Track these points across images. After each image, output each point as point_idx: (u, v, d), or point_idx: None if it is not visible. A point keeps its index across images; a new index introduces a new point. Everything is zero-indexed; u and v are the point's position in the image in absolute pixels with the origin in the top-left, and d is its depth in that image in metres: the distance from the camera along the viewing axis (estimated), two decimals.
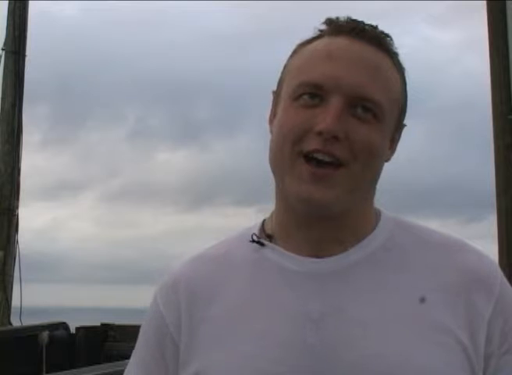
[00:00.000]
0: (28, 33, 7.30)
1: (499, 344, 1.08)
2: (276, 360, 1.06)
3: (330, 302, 1.07)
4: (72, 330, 5.95)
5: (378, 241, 1.13)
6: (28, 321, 6.45)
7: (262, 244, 1.15)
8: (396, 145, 1.17)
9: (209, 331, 1.12)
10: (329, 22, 1.14)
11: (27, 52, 7.26)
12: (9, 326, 6.52)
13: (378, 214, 1.17)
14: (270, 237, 1.16)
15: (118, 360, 4.64)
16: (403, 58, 1.15)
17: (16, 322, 6.64)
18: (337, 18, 1.14)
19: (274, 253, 1.14)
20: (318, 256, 1.11)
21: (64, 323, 5.91)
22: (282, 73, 1.17)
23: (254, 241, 1.16)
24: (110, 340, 6.12)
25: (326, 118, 1.05)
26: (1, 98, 7.08)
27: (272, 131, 1.15)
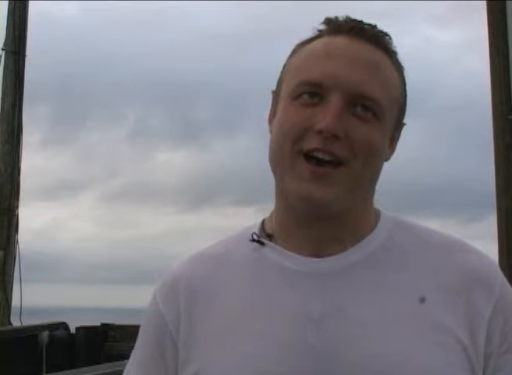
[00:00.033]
0: (28, 33, 7.31)
1: (499, 343, 1.08)
2: (276, 360, 1.06)
3: (330, 302, 1.07)
4: (72, 330, 5.96)
5: (377, 241, 1.13)
6: (28, 321, 6.45)
7: (262, 244, 1.15)
8: (395, 144, 1.17)
9: (209, 331, 1.11)
10: (328, 21, 1.14)
11: (27, 52, 7.27)
12: (9, 326, 6.52)
13: (377, 214, 1.17)
14: (270, 237, 1.16)
15: (118, 360, 4.64)
16: (404, 57, 1.15)
17: (15, 322, 6.64)
18: (336, 17, 1.14)
19: (274, 252, 1.14)
20: (317, 255, 1.11)
21: (64, 323, 5.92)
22: (282, 72, 1.17)
23: (254, 240, 1.15)
24: (110, 340, 6.13)
25: (326, 117, 1.05)
26: (1, 98, 7.08)
27: (271, 131, 1.15)
